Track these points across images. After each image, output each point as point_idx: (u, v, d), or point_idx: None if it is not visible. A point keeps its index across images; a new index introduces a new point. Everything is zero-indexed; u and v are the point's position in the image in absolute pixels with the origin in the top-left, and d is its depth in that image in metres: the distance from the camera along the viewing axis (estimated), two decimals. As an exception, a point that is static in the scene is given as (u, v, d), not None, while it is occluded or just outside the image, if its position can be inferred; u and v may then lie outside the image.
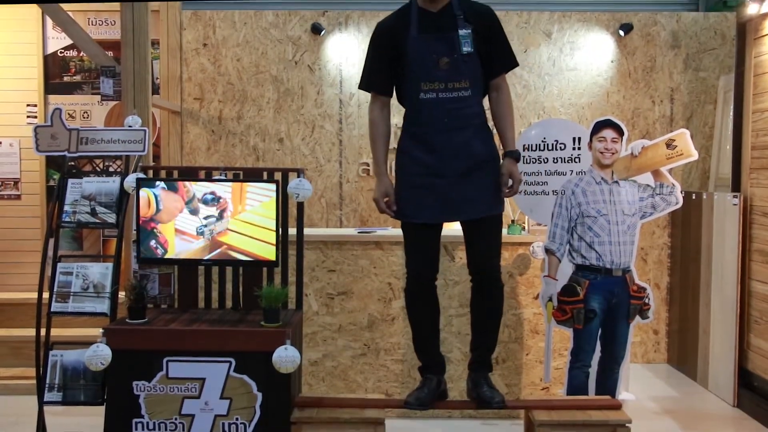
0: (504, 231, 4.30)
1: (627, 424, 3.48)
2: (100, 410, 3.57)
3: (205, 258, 3.67)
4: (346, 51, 6.70)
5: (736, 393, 5.41)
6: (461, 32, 3.43)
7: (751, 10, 5.31)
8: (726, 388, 5.52)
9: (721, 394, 5.59)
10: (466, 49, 3.43)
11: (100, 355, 3.38)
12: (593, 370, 4.33)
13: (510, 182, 3.57)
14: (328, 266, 5.08)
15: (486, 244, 3.59)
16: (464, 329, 5.03)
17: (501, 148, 3.64)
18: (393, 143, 3.84)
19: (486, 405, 3.59)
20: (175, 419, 3.43)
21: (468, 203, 3.50)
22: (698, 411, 5.42)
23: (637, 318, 4.30)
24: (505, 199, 3.66)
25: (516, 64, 3.68)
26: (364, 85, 3.69)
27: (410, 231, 3.60)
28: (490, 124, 3.67)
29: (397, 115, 3.76)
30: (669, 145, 4.40)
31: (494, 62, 3.56)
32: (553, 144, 4.87)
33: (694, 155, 4.41)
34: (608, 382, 4.31)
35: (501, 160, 3.60)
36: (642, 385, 5.96)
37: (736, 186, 5.62)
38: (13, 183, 6.94)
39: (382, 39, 3.58)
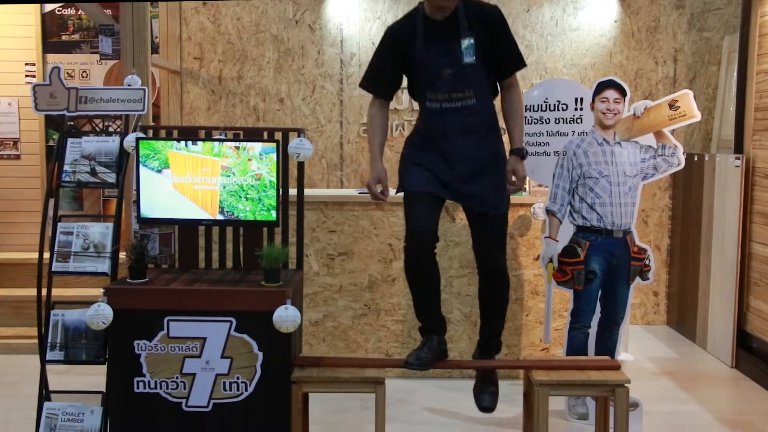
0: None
1: (626, 384, 3.49)
2: (102, 369, 3.59)
3: (206, 218, 3.65)
4: (347, 10, 6.63)
5: (734, 354, 5.44)
6: (464, 43, 3.40)
7: (758, -32, 5.25)
8: (724, 350, 5.55)
9: (720, 356, 5.63)
10: (468, 60, 3.41)
11: (101, 315, 3.38)
12: (593, 331, 4.34)
13: (513, 179, 3.55)
14: (328, 227, 5.07)
15: (491, 239, 3.59)
16: (464, 290, 5.04)
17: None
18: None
19: (476, 401, 3.76)
20: (177, 378, 3.44)
21: (472, 197, 3.52)
22: (697, 372, 5.45)
23: (637, 279, 4.30)
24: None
25: (524, 65, 3.64)
26: (365, 84, 3.70)
27: (411, 198, 3.57)
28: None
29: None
30: (672, 106, 4.37)
31: (502, 64, 3.54)
32: (555, 104, 4.84)
33: (697, 116, 4.38)
34: (608, 343, 4.33)
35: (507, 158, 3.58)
36: (641, 346, 5.99)
37: (738, 148, 5.60)
38: (12, 143, 6.91)
39: (390, 46, 3.58)
